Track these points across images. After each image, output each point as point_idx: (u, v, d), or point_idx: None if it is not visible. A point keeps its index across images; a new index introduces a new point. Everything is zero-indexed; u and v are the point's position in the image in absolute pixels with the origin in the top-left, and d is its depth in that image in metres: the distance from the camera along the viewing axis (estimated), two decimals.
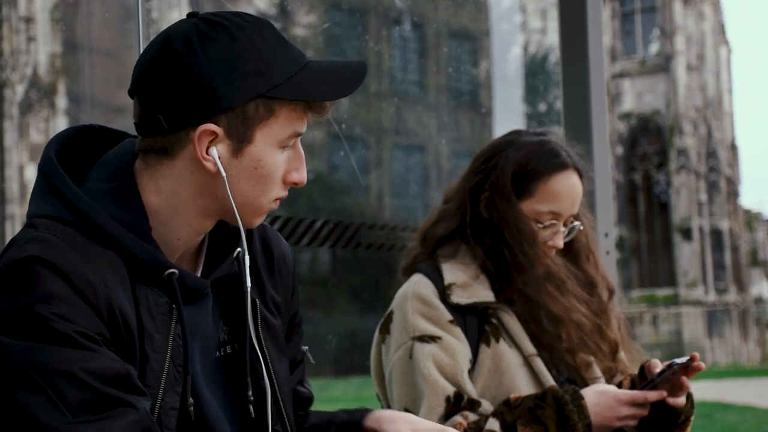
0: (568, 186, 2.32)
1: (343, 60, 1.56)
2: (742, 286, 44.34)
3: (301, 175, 1.55)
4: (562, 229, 2.33)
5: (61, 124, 23.04)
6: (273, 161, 1.51)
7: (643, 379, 2.30)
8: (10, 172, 22.71)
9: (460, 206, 2.37)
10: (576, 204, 2.34)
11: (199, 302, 1.55)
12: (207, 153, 1.49)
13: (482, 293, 2.30)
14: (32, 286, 1.39)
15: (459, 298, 2.28)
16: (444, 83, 20.37)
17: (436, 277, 2.31)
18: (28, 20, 23.45)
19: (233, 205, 1.50)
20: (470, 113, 18.73)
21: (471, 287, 2.29)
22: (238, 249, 1.59)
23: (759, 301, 46.21)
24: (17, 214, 22.36)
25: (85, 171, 1.55)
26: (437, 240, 2.38)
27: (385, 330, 2.34)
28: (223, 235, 1.61)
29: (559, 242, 2.33)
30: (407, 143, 19.98)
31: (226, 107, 1.47)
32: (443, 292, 2.28)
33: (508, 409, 2.18)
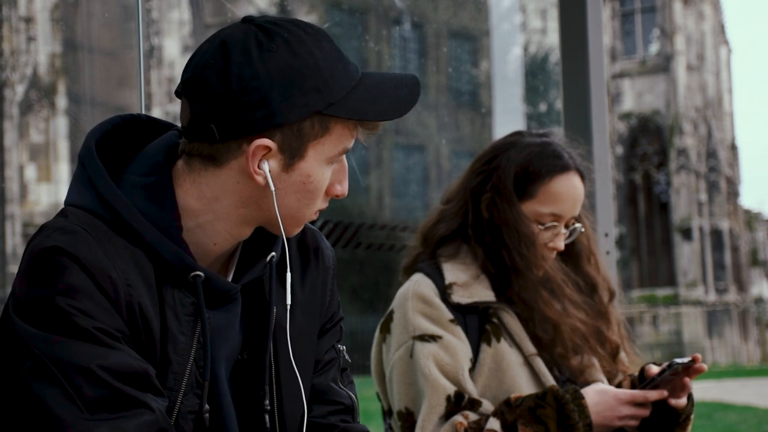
0: (569, 188, 2.32)
1: (397, 74, 1.53)
2: (742, 286, 44.33)
3: (344, 188, 1.54)
4: (563, 230, 2.33)
5: (61, 124, 23.05)
6: (321, 177, 1.50)
7: (643, 380, 2.30)
8: (10, 172, 22.70)
9: (462, 206, 2.37)
10: (577, 206, 2.34)
11: (227, 306, 1.53)
12: (258, 167, 1.46)
13: (483, 293, 2.30)
14: (55, 277, 1.39)
15: (460, 297, 2.28)
16: (444, 83, 20.37)
17: (437, 277, 2.31)
18: (28, 20, 23.45)
19: (278, 217, 1.49)
20: (470, 113, 18.74)
21: (471, 287, 2.30)
22: (272, 253, 1.56)
23: (759, 301, 46.20)
24: (17, 214, 22.36)
25: (127, 162, 1.53)
26: (438, 240, 2.38)
27: (386, 329, 2.33)
28: (257, 240, 1.58)
29: (560, 244, 2.33)
30: (407, 143, 19.98)
31: (281, 123, 1.44)
32: (444, 291, 2.28)
33: (508, 409, 2.18)
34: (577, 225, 2.36)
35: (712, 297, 41.51)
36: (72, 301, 1.38)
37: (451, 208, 2.39)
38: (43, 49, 23.44)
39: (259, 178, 1.47)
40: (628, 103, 43.20)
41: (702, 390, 23.07)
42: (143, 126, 1.57)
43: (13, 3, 22.80)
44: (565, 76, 3.34)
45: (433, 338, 2.24)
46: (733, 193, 45.21)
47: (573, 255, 2.41)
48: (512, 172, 2.32)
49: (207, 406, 1.48)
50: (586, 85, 3.27)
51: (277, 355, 1.57)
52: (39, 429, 1.36)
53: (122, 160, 1.52)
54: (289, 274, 1.55)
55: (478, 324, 2.29)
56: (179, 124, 1.54)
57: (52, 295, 1.38)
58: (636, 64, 43.36)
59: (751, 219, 48.13)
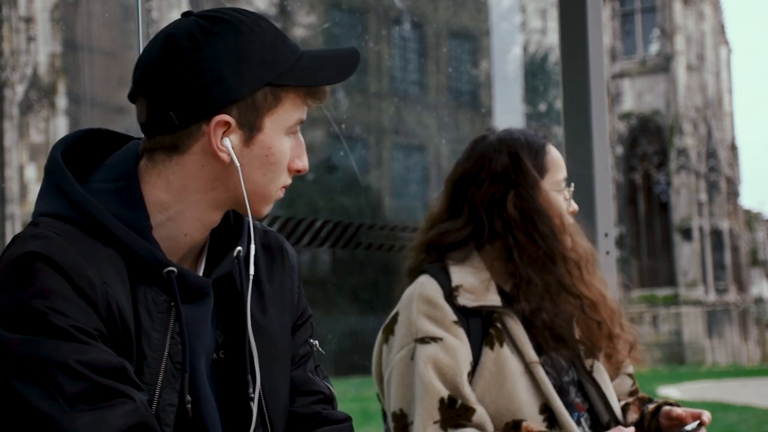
0: (557, 152, 2.40)
1: (335, 48, 1.62)
2: (742, 286, 44.34)
3: (304, 163, 1.60)
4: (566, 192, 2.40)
5: (61, 124, 23.04)
6: (281, 147, 1.56)
7: (656, 414, 2.31)
8: (10, 172, 22.71)
9: (469, 219, 2.35)
10: None
11: (200, 301, 1.56)
12: (221, 145, 1.52)
13: (489, 297, 2.29)
14: (30, 281, 1.42)
15: (466, 300, 2.27)
16: (444, 83, 20.37)
17: (443, 279, 2.30)
18: (28, 20, 23.45)
19: (245, 194, 1.53)
20: (470, 113, 18.73)
21: (478, 291, 2.29)
22: (239, 248, 1.60)
23: (759, 301, 46.21)
24: (17, 214, 22.36)
25: (90, 173, 1.57)
26: (446, 246, 2.37)
27: (389, 331, 2.33)
28: (223, 235, 1.63)
29: (575, 205, 2.39)
30: (407, 143, 19.98)
31: (236, 97, 1.51)
32: (450, 293, 2.28)
33: None
34: (570, 186, 2.42)
35: (712, 297, 41.51)
36: (47, 302, 1.41)
37: (455, 224, 2.37)
38: (43, 49, 23.44)
39: (223, 155, 1.52)
40: (628, 103, 43.20)
41: (702, 390, 23.06)
42: (104, 138, 1.62)
43: (13, 3, 22.81)
44: (565, 76, 3.34)
45: (434, 339, 2.23)
46: (733, 193, 45.21)
47: None
48: (525, 161, 2.33)
49: (189, 397, 1.52)
50: (586, 85, 3.27)
51: (256, 345, 1.60)
52: (27, 427, 1.39)
53: (86, 170, 1.57)
54: (253, 246, 1.60)
55: (480, 327, 2.28)
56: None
57: (27, 298, 1.41)
58: (636, 64, 43.36)
59: (751, 219, 48.14)
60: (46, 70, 23.46)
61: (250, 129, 1.53)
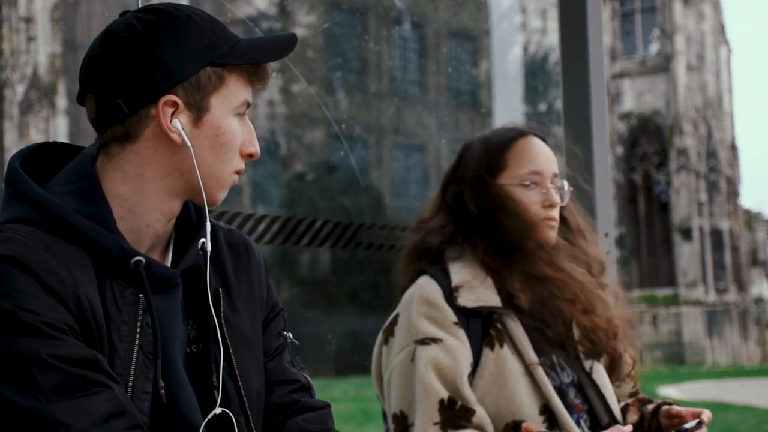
0: (534, 146, 2.37)
1: (275, 34, 1.67)
2: (742, 286, 44.35)
3: (256, 147, 1.63)
4: (550, 185, 2.35)
5: (61, 124, 23.05)
6: (231, 128, 1.59)
7: (656, 413, 2.31)
8: None
9: (447, 217, 2.38)
10: (552, 161, 2.38)
11: (169, 291, 1.58)
12: (171, 127, 1.55)
13: (489, 297, 2.29)
14: None
15: (466, 301, 2.27)
16: (444, 83, 20.38)
17: (443, 279, 2.31)
18: (28, 20, 23.46)
19: (199, 176, 1.56)
20: (470, 113, 18.73)
21: (478, 290, 2.29)
22: (202, 239, 1.63)
23: (759, 301, 46.22)
24: None
25: (48, 179, 1.60)
26: (436, 248, 2.38)
27: (389, 332, 2.33)
28: (188, 230, 1.66)
29: (554, 198, 2.35)
30: (407, 143, 19.98)
31: (180, 78, 1.55)
32: (450, 294, 2.28)
33: None
34: (564, 182, 2.39)
35: (712, 297, 41.53)
36: (15, 301, 1.42)
37: (436, 222, 2.39)
38: (43, 49, 23.45)
39: (175, 136, 1.55)
40: (628, 103, 43.21)
41: (702, 390, 23.06)
42: (60, 151, 1.65)
43: (13, 3, 22.81)
44: (565, 76, 3.34)
45: (434, 341, 2.24)
46: (733, 193, 45.22)
47: (565, 234, 2.42)
48: (478, 160, 2.37)
49: (162, 383, 1.53)
50: (586, 85, 3.27)
51: (224, 335, 1.63)
52: (8, 424, 1.40)
53: (44, 180, 1.59)
54: (208, 229, 1.62)
55: (481, 328, 2.28)
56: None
57: None
58: (636, 64, 43.36)
59: (751, 219, 48.15)
60: (46, 70, 23.47)
61: (198, 109, 1.56)
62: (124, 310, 1.52)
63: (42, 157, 1.63)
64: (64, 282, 1.45)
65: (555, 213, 2.35)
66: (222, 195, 1.62)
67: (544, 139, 2.40)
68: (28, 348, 1.40)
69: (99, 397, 1.41)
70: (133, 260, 1.52)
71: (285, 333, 1.79)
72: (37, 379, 1.39)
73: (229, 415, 1.60)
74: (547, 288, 2.30)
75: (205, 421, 1.56)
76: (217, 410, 1.58)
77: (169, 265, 1.62)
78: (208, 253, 1.61)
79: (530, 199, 2.33)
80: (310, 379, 1.79)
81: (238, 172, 1.62)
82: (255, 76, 1.62)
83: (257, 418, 1.67)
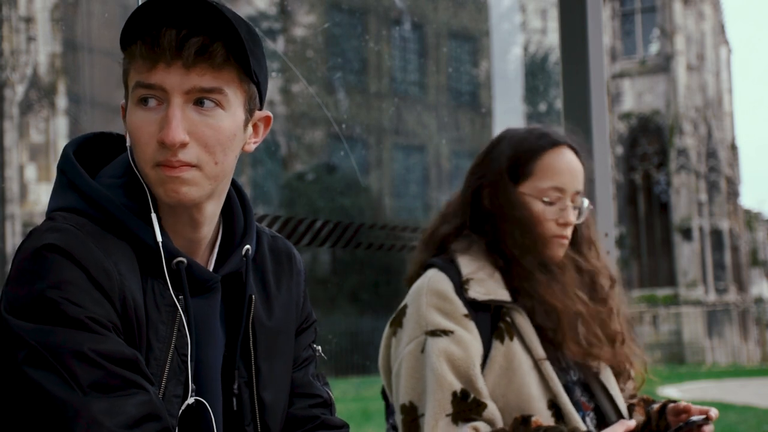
0: (563, 160, 2.34)
1: None
2: (742, 286, 44.32)
3: (163, 132, 1.48)
4: (569, 203, 2.33)
5: (61, 124, 23.03)
6: (131, 120, 1.52)
7: (662, 413, 2.31)
8: (10, 172, 22.70)
9: (463, 205, 2.39)
10: (577, 178, 2.35)
11: (207, 295, 1.57)
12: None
13: (499, 291, 2.29)
14: (47, 272, 1.43)
15: (476, 293, 2.27)
16: (444, 83, 20.37)
17: (452, 271, 2.31)
18: (28, 20, 23.44)
19: (138, 174, 1.53)
20: (470, 113, 18.72)
21: (487, 283, 2.29)
22: (247, 246, 1.61)
23: (759, 301, 46.19)
24: (17, 214, 22.34)
25: (100, 169, 1.60)
26: (443, 238, 2.38)
27: (397, 323, 2.33)
28: (234, 234, 1.64)
29: (570, 217, 2.33)
30: (407, 143, 19.96)
31: (124, 77, 1.54)
32: (461, 286, 2.28)
33: (526, 429, 2.18)
34: (585, 200, 2.37)
35: (712, 297, 41.49)
36: (62, 292, 1.42)
37: (453, 209, 2.40)
38: (43, 49, 23.44)
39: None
40: (628, 103, 43.18)
41: (702, 390, 23.06)
42: (114, 141, 1.64)
43: (13, 3, 22.80)
44: (565, 76, 3.35)
45: (445, 333, 2.23)
46: (733, 193, 45.20)
47: (574, 243, 2.42)
48: (505, 160, 2.34)
49: (193, 386, 1.53)
50: (586, 85, 3.28)
51: (256, 343, 1.62)
52: (42, 414, 1.39)
53: (95, 170, 1.59)
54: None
55: (489, 321, 2.28)
56: None
57: (43, 289, 1.42)
58: (636, 64, 43.34)
59: (751, 219, 48.12)
60: (46, 70, 23.45)
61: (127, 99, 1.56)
62: (163, 311, 1.51)
63: (96, 146, 1.62)
64: (111, 277, 1.45)
65: (568, 231, 2.34)
66: (162, 191, 1.51)
67: (576, 150, 2.37)
68: (71, 341, 1.40)
69: (134, 399, 1.41)
70: (175, 261, 1.52)
71: (315, 346, 1.78)
72: (77, 372, 1.39)
73: (204, 403, 1.57)
74: (540, 306, 2.31)
75: (180, 410, 1.54)
76: (190, 400, 1.55)
77: (211, 269, 1.61)
78: (250, 263, 1.60)
79: (546, 216, 2.32)
80: (332, 396, 1.78)
81: (163, 164, 1.50)
82: (142, 50, 1.48)
83: (274, 427, 1.65)
